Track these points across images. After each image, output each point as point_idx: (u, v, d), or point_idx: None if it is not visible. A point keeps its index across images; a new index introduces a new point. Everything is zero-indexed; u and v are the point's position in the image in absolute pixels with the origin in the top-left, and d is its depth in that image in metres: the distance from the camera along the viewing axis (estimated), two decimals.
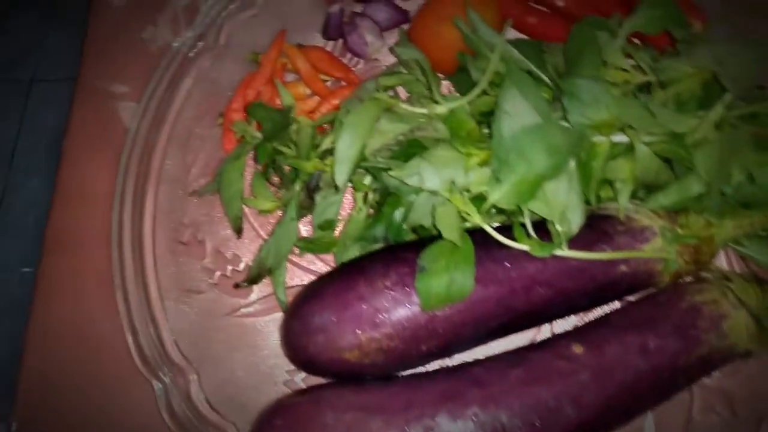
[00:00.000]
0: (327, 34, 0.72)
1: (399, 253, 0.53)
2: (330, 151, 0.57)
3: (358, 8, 0.74)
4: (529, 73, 0.58)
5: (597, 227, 0.54)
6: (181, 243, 0.67)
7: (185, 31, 0.72)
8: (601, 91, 0.51)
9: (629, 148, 0.53)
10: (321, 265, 0.65)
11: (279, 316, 0.64)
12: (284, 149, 0.57)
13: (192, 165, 0.70)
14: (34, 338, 0.66)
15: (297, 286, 0.65)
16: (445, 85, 0.69)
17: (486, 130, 0.59)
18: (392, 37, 0.73)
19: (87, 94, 0.75)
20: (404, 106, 0.57)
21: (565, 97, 0.52)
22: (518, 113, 0.52)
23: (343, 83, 0.71)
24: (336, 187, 0.55)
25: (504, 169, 0.51)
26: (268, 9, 0.74)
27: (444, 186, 0.52)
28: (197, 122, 0.71)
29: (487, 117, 0.59)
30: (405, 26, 0.73)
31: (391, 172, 0.53)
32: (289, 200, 0.59)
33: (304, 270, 0.65)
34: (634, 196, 0.55)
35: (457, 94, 0.67)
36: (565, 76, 0.54)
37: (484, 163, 0.53)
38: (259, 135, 0.60)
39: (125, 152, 0.69)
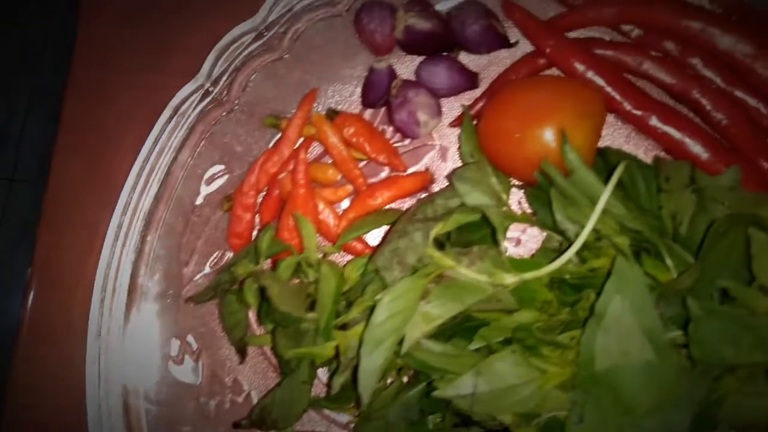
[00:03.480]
0: (367, 100, 0.56)
1: None
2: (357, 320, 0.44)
3: (410, 66, 0.56)
4: (638, 237, 0.42)
5: None
6: (171, 359, 0.55)
7: (192, 79, 0.55)
8: (744, 328, 0.35)
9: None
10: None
11: None
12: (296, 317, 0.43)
13: (190, 257, 0.56)
14: None
15: None
16: (516, 195, 0.53)
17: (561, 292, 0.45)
18: (453, 108, 0.56)
19: (72, 134, 0.61)
20: (464, 271, 0.42)
21: (692, 324, 0.36)
22: (621, 333, 0.37)
23: (386, 169, 0.56)
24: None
25: (590, 407, 0.37)
26: (295, 54, 0.57)
27: (506, 414, 0.39)
28: (199, 201, 0.57)
29: (572, 289, 0.44)
30: (472, 96, 0.56)
31: (435, 393, 0.39)
32: (301, 359, 0.46)
33: (319, 413, 0.53)
34: None
35: (528, 210, 0.52)
36: (691, 283, 0.38)
37: (563, 385, 0.39)
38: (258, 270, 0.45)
39: (110, 231, 0.55)
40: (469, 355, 0.43)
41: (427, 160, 0.57)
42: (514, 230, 0.54)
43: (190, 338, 0.55)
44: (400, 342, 0.41)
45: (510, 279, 0.42)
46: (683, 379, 0.36)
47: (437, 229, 0.43)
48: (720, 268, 0.38)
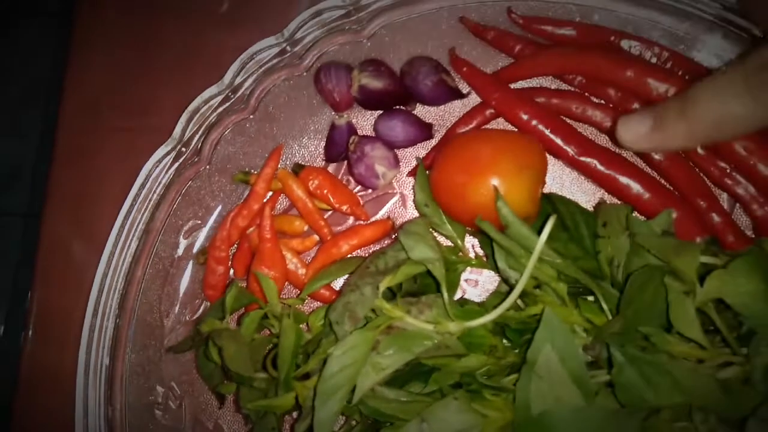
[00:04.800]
0: (329, 155, 0.59)
1: None
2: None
3: (370, 120, 0.60)
4: (577, 289, 0.45)
5: None
6: (156, 405, 0.58)
7: (166, 141, 0.59)
8: (662, 372, 0.38)
9: None
10: None
11: None
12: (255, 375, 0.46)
13: (170, 308, 0.60)
14: None
15: None
16: (469, 241, 0.56)
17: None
18: (412, 158, 0.60)
19: (58, 195, 0.65)
20: (411, 321, 0.45)
21: (614, 370, 0.39)
22: (551, 380, 0.40)
23: (351, 218, 0.59)
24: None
25: None
26: (262, 112, 0.61)
27: None
28: (177, 254, 0.60)
29: (516, 333, 0.47)
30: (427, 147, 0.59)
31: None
32: (268, 408, 0.49)
33: None
34: None
35: (482, 254, 0.55)
36: (617, 329, 0.40)
37: (504, 429, 0.42)
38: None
39: (95, 286, 0.59)
40: (421, 401, 0.46)
41: (390, 208, 0.60)
42: (473, 273, 0.57)
43: (173, 384, 0.59)
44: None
45: (454, 327, 0.45)
46: (611, 422, 0.39)
47: (386, 283, 0.46)
48: (644, 315, 0.41)
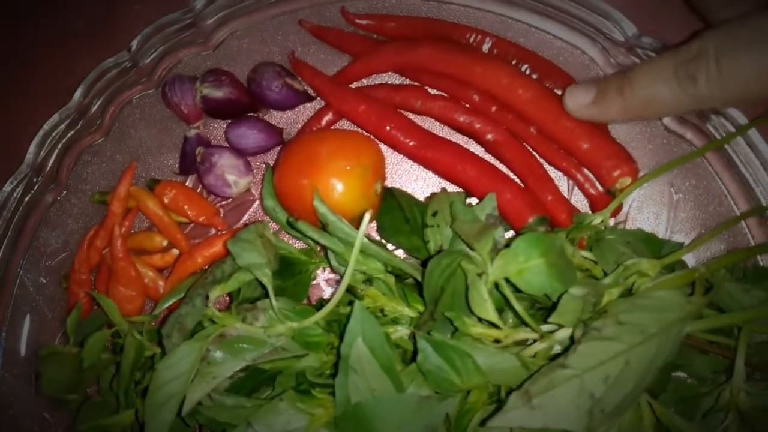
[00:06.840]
0: (183, 168, 0.59)
1: None
2: None
3: (223, 130, 0.60)
4: (399, 278, 0.46)
5: None
6: None
7: (19, 168, 0.58)
8: (464, 356, 0.39)
9: None
10: None
11: None
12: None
13: (38, 336, 0.59)
14: None
15: None
16: None
17: None
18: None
19: None
20: (240, 326, 0.45)
21: (419, 357, 0.40)
22: (365, 372, 0.40)
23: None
24: None
25: None
26: (117, 132, 0.61)
27: None
28: (43, 280, 0.60)
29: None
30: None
31: None
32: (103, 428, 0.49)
33: None
34: None
35: None
36: (422, 320, 0.41)
37: (329, 425, 0.42)
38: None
39: None
40: (260, 405, 0.46)
41: (251, 214, 0.60)
42: (332, 272, 0.58)
43: (45, 415, 0.58)
44: None
45: (283, 329, 0.45)
46: (422, 408, 0.39)
47: (216, 292, 0.46)
48: (454, 300, 0.41)
